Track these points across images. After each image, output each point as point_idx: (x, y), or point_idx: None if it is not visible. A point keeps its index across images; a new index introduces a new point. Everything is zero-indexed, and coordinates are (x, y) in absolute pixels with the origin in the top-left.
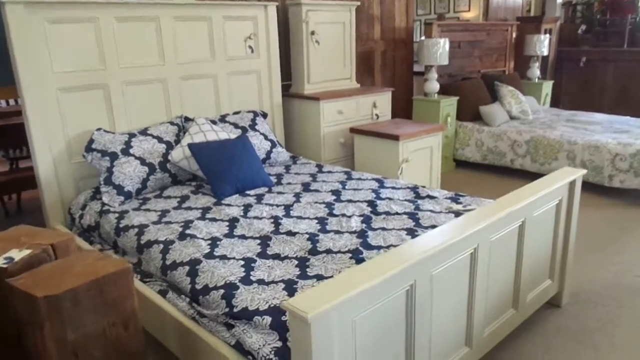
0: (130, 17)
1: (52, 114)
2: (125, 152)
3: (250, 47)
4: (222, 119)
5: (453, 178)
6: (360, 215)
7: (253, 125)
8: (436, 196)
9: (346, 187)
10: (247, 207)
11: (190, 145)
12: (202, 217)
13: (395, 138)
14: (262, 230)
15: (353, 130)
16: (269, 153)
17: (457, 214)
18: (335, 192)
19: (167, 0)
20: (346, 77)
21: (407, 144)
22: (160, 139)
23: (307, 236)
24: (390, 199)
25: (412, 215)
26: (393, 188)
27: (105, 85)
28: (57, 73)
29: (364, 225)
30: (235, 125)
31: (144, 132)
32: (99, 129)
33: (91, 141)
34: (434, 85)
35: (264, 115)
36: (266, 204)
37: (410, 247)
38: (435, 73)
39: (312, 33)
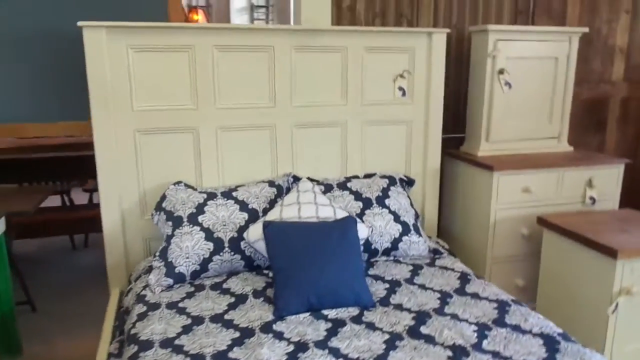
0: (235, 45)
1: (126, 159)
2: (193, 219)
3: (401, 88)
4: (343, 184)
5: None
6: None
7: (383, 198)
8: None
9: (484, 344)
10: (299, 349)
11: (266, 225)
12: (224, 355)
13: (611, 253)
14: None
15: (542, 221)
16: (396, 242)
17: None
18: (460, 353)
19: (284, 25)
20: (551, 136)
21: (635, 264)
22: (244, 206)
23: None
24: None
25: None
26: None
27: (194, 129)
28: (137, 111)
29: None
30: (357, 196)
31: (228, 193)
32: (177, 183)
33: (163, 197)
34: None
35: (408, 183)
36: (330, 351)
37: None
38: None
39: (501, 72)
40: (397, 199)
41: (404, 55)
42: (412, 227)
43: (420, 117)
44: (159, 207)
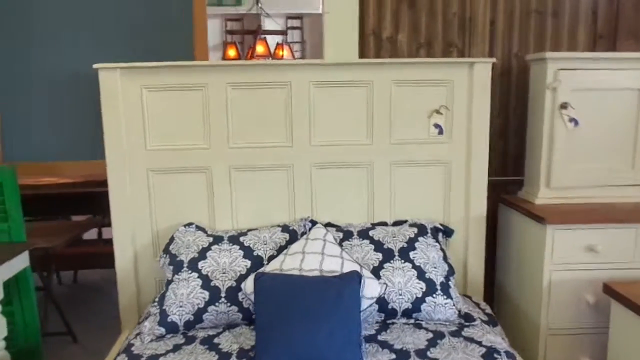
0: (249, 83)
1: (140, 198)
2: (193, 264)
3: (437, 125)
4: (365, 232)
5: None
6: None
7: (407, 250)
8: None
9: None
10: None
11: (257, 277)
12: None
13: None
14: None
15: (609, 290)
16: (418, 303)
17: None
18: None
19: (301, 60)
20: (636, 184)
21: None
22: (249, 252)
23: None
24: None
25: None
26: None
27: (207, 169)
28: (150, 150)
29: None
30: (378, 246)
31: (235, 237)
32: (188, 225)
33: (171, 239)
34: None
35: (446, 233)
36: None
37: None
38: None
39: (564, 106)
40: (425, 252)
41: (441, 89)
42: (439, 287)
43: (460, 158)
44: (166, 250)
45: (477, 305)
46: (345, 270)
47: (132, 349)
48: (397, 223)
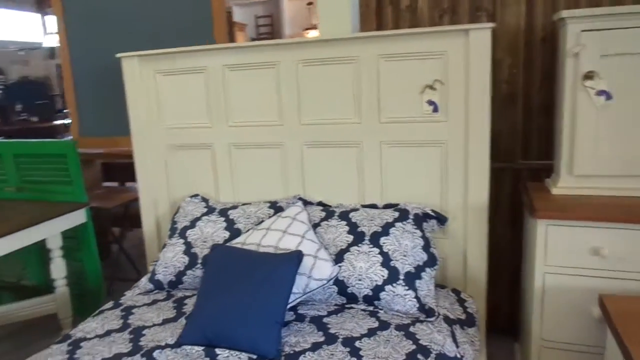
0: (242, 64)
1: (158, 171)
2: (182, 232)
3: (431, 102)
4: (346, 213)
5: None
6: None
7: (379, 235)
8: None
9: None
10: None
11: (213, 248)
12: None
13: None
14: None
15: (603, 305)
16: (378, 291)
17: None
18: None
19: (287, 40)
20: None
21: None
22: (230, 224)
23: None
24: None
25: None
26: None
27: (211, 146)
28: (165, 128)
29: None
30: (352, 228)
31: (224, 210)
32: (194, 196)
33: (178, 208)
34: None
35: (438, 220)
36: None
37: None
38: None
39: (588, 77)
40: (399, 239)
41: (435, 62)
42: (402, 276)
43: (458, 139)
44: (172, 217)
45: (462, 302)
46: (301, 249)
47: (121, 298)
48: (388, 206)
